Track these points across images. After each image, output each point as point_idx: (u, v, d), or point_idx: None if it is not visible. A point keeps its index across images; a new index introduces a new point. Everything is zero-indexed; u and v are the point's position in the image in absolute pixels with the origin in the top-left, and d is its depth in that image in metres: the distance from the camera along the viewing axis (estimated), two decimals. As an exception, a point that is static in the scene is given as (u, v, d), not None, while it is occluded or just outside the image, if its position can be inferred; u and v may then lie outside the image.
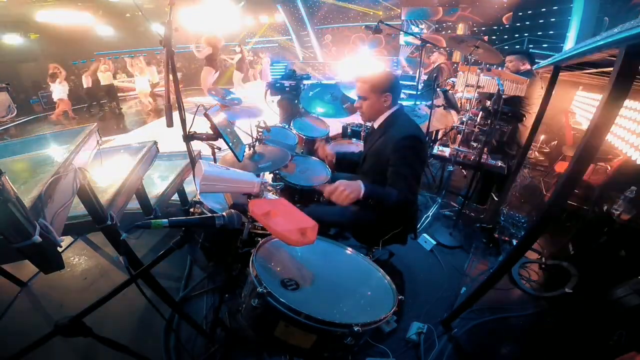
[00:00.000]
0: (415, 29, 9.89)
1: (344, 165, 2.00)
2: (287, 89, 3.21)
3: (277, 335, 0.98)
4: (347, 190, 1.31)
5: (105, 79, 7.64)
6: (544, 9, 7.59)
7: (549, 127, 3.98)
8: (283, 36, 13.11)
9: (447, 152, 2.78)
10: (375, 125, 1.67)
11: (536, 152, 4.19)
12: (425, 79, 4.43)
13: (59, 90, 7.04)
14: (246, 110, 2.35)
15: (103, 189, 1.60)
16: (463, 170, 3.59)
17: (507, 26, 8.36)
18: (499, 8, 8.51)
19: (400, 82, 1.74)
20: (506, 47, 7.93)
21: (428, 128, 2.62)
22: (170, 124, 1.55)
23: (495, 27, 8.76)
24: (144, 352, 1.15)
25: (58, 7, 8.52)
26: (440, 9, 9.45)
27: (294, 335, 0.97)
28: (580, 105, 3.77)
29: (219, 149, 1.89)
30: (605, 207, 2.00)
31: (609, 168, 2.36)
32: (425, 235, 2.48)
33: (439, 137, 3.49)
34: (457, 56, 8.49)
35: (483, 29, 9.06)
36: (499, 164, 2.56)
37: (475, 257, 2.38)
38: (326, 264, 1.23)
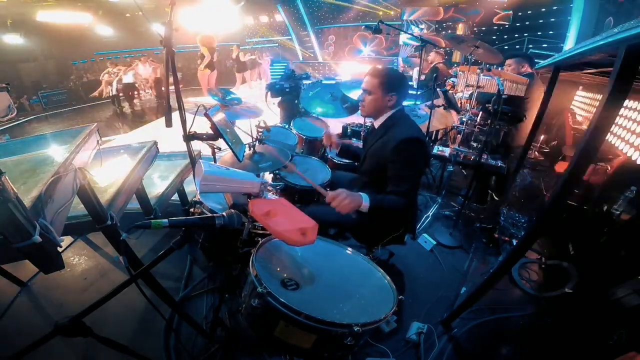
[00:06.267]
0: (415, 29, 9.88)
1: (347, 156, 2.01)
2: (287, 89, 3.21)
3: (277, 335, 0.98)
4: (347, 200, 1.35)
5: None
6: (543, 9, 7.58)
7: (549, 127, 3.98)
8: (283, 36, 13.09)
9: (447, 152, 2.79)
10: (376, 125, 1.67)
11: (536, 152, 4.19)
12: (421, 79, 4.44)
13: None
14: (246, 110, 2.35)
15: (103, 189, 1.60)
16: (463, 171, 3.59)
17: (506, 26, 8.34)
18: (499, 8, 8.50)
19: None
20: (506, 47, 7.92)
21: (428, 128, 2.62)
22: (169, 124, 1.55)
23: (495, 27, 8.75)
24: (144, 352, 1.15)
25: (58, 7, 8.52)
26: (441, 9, 9.43)
27: (294, 335, 0.97)
28: (580, 105, 3.77)
29: (219, 149, 1.89)
30: (605, 207, 2.00)
31: (609, 168, 2.36)
32: (425, 235, 2.48)
33: (439, 137, 3.49)
34: (457, 56, 8.48)
35: (483, 28, 9.05)
36: (499, 164, 2.56)
37: (475, 257, 2.38)
38: (326, 264, 1.23)
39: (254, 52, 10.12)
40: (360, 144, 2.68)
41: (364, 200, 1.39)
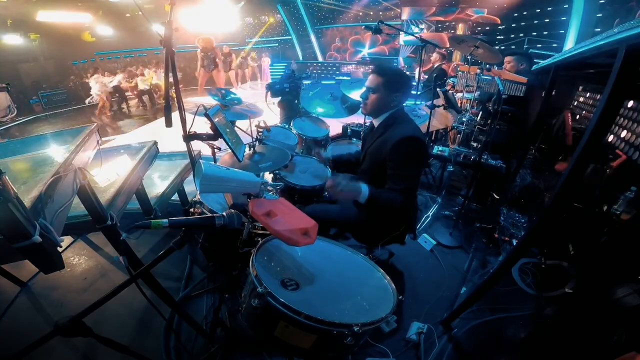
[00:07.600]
0: (416, 29, 9.89)
1: (342, 167, 2.01)
2: (287, 89, 3.21)
3: (277, 335, 0.98)
4: (346, 189, 1.38)
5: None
6: (543, 9, 7.59)
7: (549, 127, 3.97)
8: (283, 36, 13.10)
9: (447, 152, 2.78)
10: (375, 124, 1.67)
11: (536, 152, 4.18)
12: (424, 79, 4.43)
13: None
14: (246, 110, 2.35)
15: (103, 189, 1.60)
16: (463, 171, 3.59)
17: (513, 25, 8.34)
18: (499, 8, 8.50)
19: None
20: (512, 47, 7.92)
21: (428, 128, 2.62)
22: (169, 124, 1.55)
23: (495, 27, 8.75)
24: (144, 352, 1.15)
25: (58, 7, 8.51)
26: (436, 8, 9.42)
27: (294, 335, 0.97)
28: (580, 105, 3.77)
29: (219, 149, 1.89)
30: (605, 207, 1.99)
31: (609, 168, 2.36)
32: (425, 235, 2.48)
33: (439, 137, 3.49)
34: (457, 56, 8.48)
35: (479, 29, 9.06)
36: (499, 164, 2.55)
37: (475, 257, 2.38)
38: (326, 264, 1.23)
39: (239, 53, 10.15)
40: (357, 145, 2.69)
41: (363, 189, 1.42)
